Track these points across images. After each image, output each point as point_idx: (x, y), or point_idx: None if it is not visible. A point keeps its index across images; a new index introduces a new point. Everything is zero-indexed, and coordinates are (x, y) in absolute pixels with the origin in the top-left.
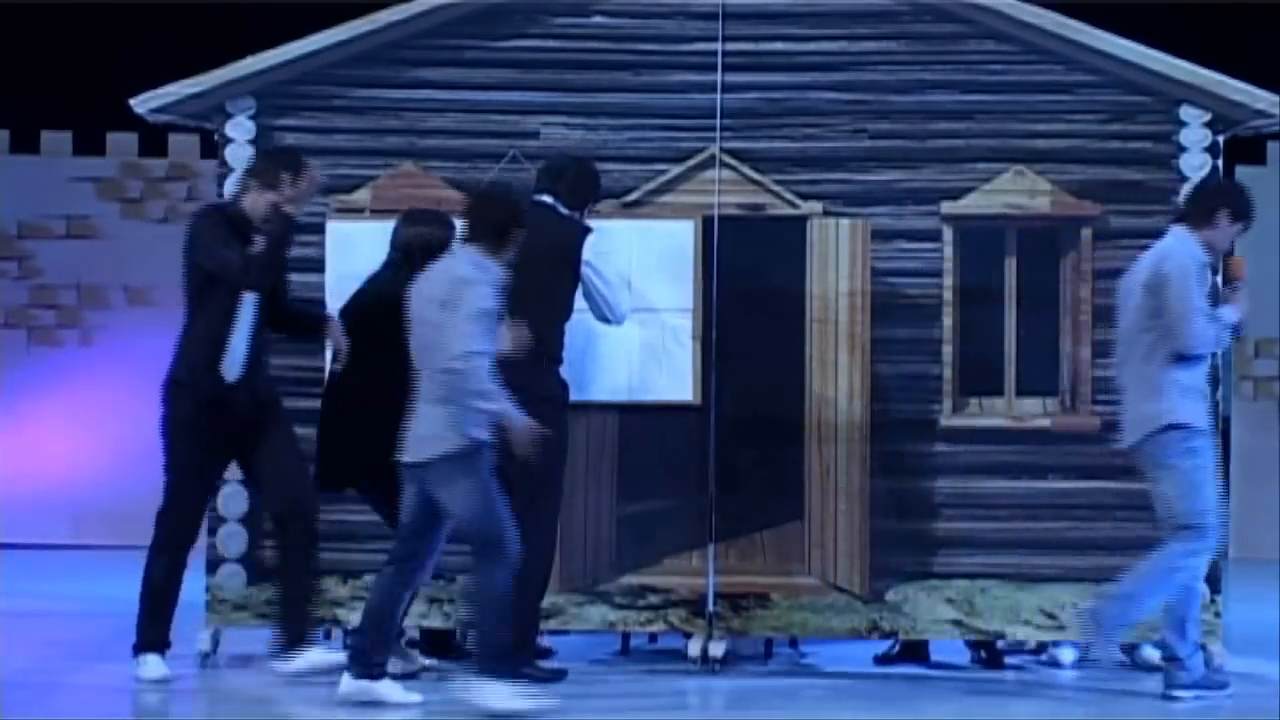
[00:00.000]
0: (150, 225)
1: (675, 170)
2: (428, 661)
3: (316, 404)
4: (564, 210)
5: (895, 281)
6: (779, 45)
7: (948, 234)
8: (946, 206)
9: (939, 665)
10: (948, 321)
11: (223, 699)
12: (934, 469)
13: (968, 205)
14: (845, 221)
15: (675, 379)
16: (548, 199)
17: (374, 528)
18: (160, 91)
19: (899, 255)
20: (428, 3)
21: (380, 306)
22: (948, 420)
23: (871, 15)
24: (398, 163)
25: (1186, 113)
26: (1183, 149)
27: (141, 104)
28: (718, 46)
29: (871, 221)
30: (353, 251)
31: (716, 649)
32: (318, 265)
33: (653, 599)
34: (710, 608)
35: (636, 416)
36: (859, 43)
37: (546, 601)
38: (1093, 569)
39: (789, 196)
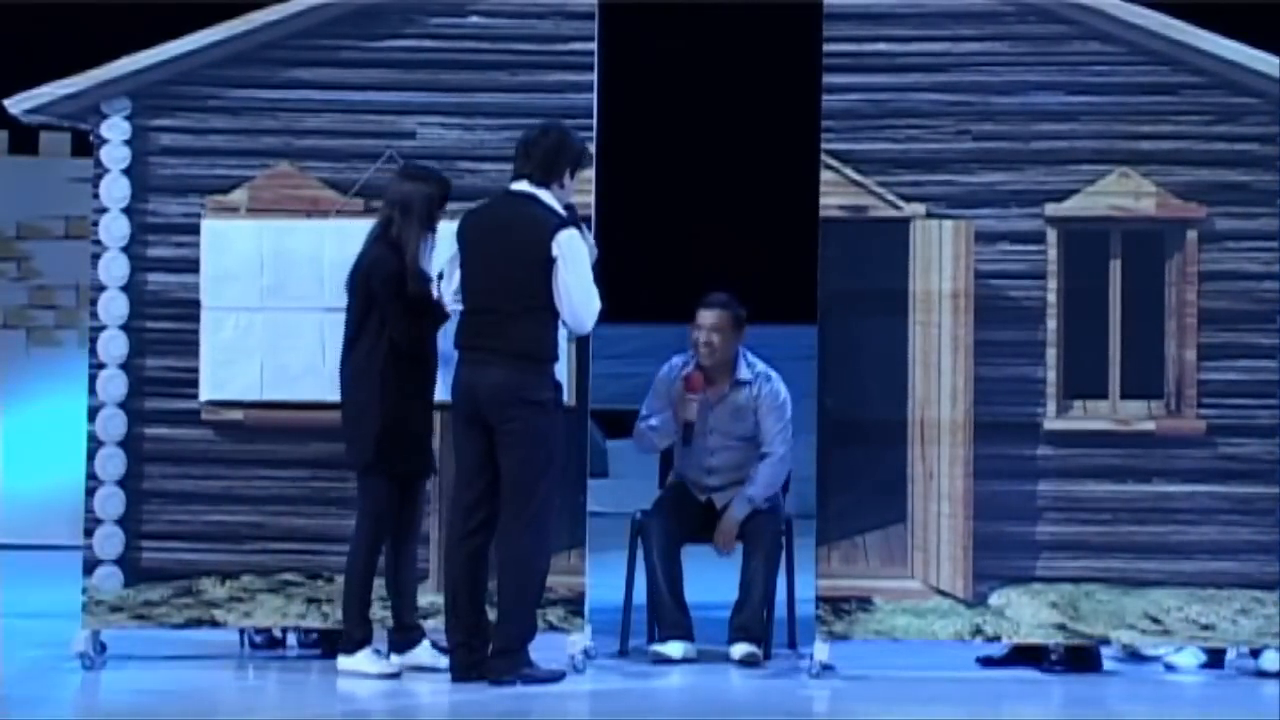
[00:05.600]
0: None
1: None
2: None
3: None
4: (541, 193)
5: (999, 284)
6: (881, 46)
7: (1052, 236)
8: (1051, 208)
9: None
10: (1052, 324)
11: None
12: (1038, 472)
13: (1072, 207)
14: (949, 223)
15: None
16: (524, 186)
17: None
18: (35, 92)
19: (1002, 257)
20: (303, 3)
21: (380, 265)
22: (1051, 423)
23: (975, 16)
24: (274, 163)
25: None
26: None
27: (15, 104)
28: (593, 46)
29: (975, 223)
30: (227, 251)
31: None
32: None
33: None
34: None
35: None
36: (962, 44)
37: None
38: (1198, 574)
39: (891, 198)
